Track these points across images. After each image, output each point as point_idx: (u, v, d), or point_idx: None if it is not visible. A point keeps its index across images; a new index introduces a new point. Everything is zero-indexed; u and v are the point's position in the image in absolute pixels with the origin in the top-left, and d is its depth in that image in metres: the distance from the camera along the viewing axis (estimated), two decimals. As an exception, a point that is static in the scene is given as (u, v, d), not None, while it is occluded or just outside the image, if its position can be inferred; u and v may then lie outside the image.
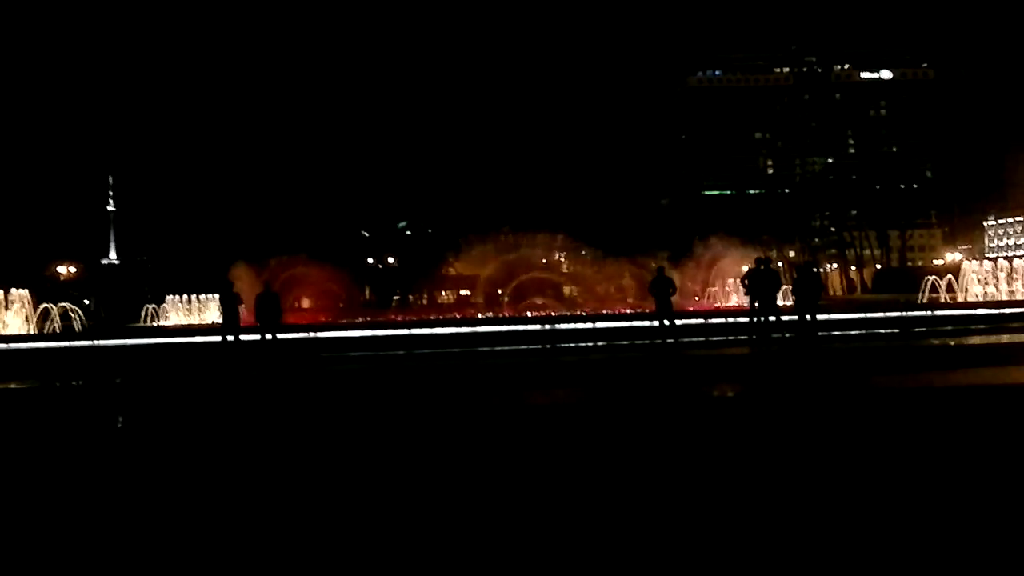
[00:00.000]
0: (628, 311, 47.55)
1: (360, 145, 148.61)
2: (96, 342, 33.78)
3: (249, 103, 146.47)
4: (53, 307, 45.33)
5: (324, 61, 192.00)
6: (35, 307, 44.20)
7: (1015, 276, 46.97)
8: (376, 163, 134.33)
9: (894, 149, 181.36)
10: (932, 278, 51.21)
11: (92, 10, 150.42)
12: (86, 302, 73.48)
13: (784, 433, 11.79)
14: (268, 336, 24.85)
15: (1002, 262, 49.90)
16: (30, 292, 45.13)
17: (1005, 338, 26.78)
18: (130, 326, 54.29)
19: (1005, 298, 44.47)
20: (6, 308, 42.82)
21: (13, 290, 43.84)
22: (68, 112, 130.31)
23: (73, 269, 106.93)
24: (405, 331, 35.69)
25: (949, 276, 49.24)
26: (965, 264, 52.43)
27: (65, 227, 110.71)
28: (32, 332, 41.94)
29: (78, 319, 46.36)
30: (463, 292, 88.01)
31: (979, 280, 47.78)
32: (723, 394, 16.86)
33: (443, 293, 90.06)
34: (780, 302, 28.16)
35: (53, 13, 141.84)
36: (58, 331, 43.20)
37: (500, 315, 53.14)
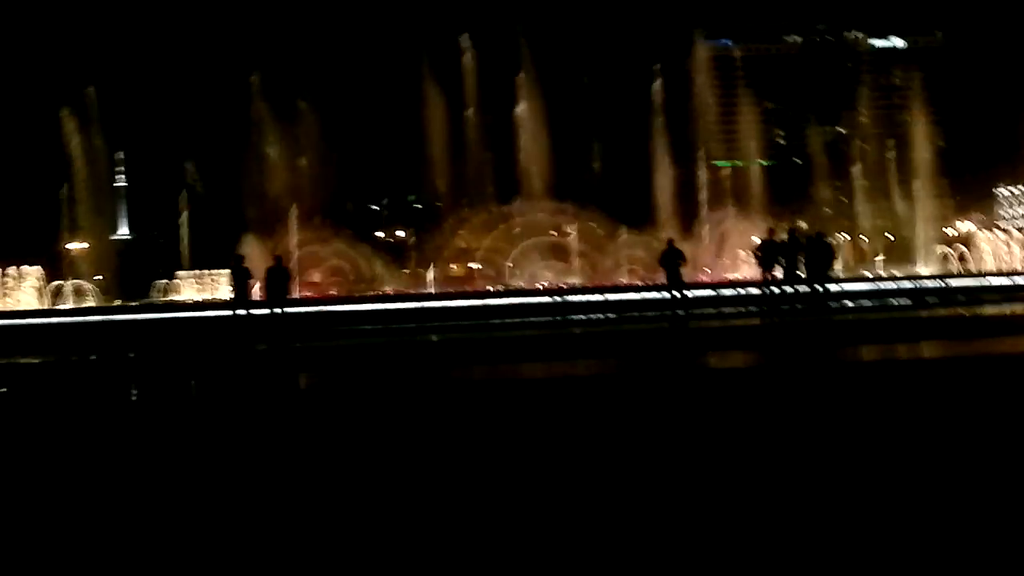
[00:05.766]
0: (638, 283, 47.46)
1: (369, 120, 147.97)
2: (109, 317, 33.99)
3: (254, 75, 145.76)
4: (66, 283, 45.54)
5: (325, 30, 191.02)
6: (48, 283, 44.42)
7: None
8: (385, 136, 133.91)
9: (905, 118, 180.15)
10: (944, 248, 51.00)
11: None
12: (98, 277, 73.70)
13: (792, 405, 11.80)
14: (277, 310, 24.89)
15: (1015, 232, 49.64)
16: (43, 268, 45.36)
17: (1020, 308, 26.69)
18: (143, 301, 54.50)
19: (1019, 267, 44.26)
20: (20, 284, 43.06)
21: (26, 267, 44.08)
22: (81, 86, 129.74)
23: (85, 245, 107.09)
24: (416, 304, 35.79)
25: (961, 247, 49.05)
26: (979, 234, 52.19)
27: (76, 203, 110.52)
28: (47, 308, 42.18)
29: (91, 295, 46.58)
30: (472, 264, 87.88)
31: (991, 250, 47.56)
32: (732, 366, 16.86)
33: (453, 266, 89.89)
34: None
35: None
36: (71, 306, 43.41)
37: (511, 287, 53.16)
